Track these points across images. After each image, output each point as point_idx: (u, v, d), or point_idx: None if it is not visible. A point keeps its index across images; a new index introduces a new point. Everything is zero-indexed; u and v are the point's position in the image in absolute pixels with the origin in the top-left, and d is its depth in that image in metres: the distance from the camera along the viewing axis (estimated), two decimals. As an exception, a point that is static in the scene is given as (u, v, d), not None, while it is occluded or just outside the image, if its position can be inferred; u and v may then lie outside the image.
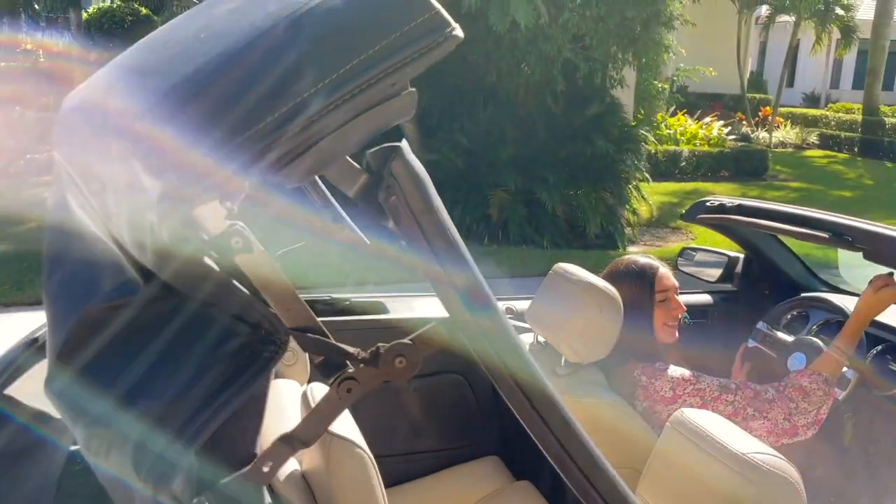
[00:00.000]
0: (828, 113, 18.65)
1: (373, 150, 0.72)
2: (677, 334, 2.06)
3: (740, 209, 2.13)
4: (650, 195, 8.74)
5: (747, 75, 18.23)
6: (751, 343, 2.38)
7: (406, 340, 0.75)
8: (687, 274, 2.72)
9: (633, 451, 1.63)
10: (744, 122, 16.26)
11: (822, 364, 1.86)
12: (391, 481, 2.07)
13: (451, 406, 2.17)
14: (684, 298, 2.56)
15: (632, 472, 1.44)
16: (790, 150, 16.55)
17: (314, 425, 0.75)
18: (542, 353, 1.96)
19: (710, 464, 1.16)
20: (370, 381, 0.74)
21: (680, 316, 2.02)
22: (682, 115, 13.23)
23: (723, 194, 10.81)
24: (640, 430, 1.75)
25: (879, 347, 2.17)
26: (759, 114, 17.56)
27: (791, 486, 1.12)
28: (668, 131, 12.21)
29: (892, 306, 2.04)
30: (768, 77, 24.49)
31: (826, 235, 1.92)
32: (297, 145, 0.65)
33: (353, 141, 0.67)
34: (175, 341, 0.70)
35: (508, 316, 2.31)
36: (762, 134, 16.11)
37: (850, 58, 23.90)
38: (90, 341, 0.69)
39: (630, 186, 8.06)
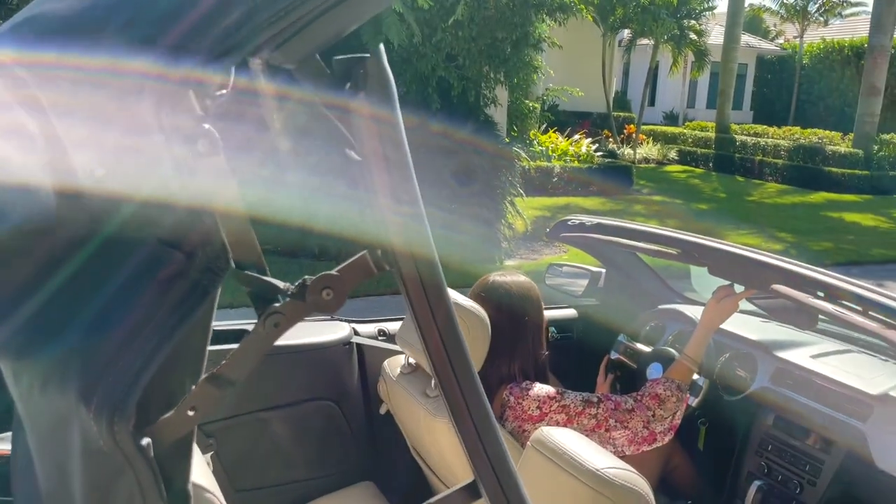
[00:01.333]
0: (685, 130, 19.95)
1: (343, 56, 0.70)
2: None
3: (599, 227, 2.22)
4: (525, 210, 9.01)
5: (612, 95, 19.23)
6: (613, 355, 2.49)
7: (333, 272, 0.71)
8: (553, 288, 2.81)
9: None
10: (610, 140, 17.13)
11: (675, 372, 1.96)
12: None
13: (323, 433, 2.13)
14: (551, 314, 2.65)
15: None
16: (652, 165, 17.58)
17: (242, 363, 0.70)
18: (412, 375, 1.96)
19: (567, 481, 1.20)
20: (297, 314, 0.70)
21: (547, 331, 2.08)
22: (553, 132, 13.76)
23: (592, 208, 11.27)
24: (509, 450, 1.78)
25: (727, 355, 2.32)
26: (624, 131, 18.56)
27: (643, 498, 1.17)
28: (540, 148, 12.65)
29: (737, 315, 2.20)
30: (632, 97, 25.95)
31: (675, 252, 2.04)
32: (280, 31, 0.63)
33: (331, 32, 0.67)
34: (100, 269, 0.64)
35: (381, 338, 2.31)
36: (627, 150, 17.02)
37: (703, 79, 25.73)
38: (2, 273, 0.63)
39: (506, 202, 8.27)
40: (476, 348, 1.82)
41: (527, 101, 8.98)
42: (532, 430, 1.83)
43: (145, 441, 0.65)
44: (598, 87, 17.36)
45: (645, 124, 19.98)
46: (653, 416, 1.87)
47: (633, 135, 17.73)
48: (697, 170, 17.33)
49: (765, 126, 19.38)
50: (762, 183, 15.43)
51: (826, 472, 2.00)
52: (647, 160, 17.75)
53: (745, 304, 2.23)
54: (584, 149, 13.53)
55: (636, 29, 16.97)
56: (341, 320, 2.25)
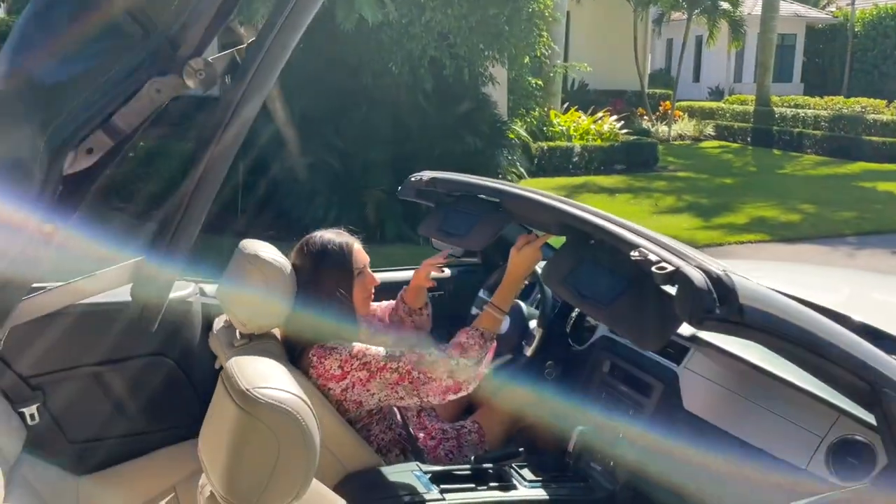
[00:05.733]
0: (724, 105, 19.33)
1: None
2: (372, 304, 2.15)
3: (434, 182, 2.21)
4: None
5: (647, 71, 18.76)
6: (473, 311, 2.49)
7: (208, 59, 0.91)
8: (438, 247, 2.80)
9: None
10: (644, 117, 16.75)
11: (481, 321, 1.94)
12: (93, 466, 2.08)
13: (161, 388, 2.17)
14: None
15: None
16: (688, 141, 17.12)
17: (131, 118, 0.89)
18: (227, 328, 2.01)
19: (230, 407, 1.18)
20: (176, 88, 0.88)
21: (372, 288, 2.08)
22: (576, 111, 13.54)
23: (611, 186, 11.02)
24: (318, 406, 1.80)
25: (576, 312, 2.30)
26: (660, 109, 18.11)
27: (291, 416, 1.13)
28: (560, 128, 12.47)
29: None
30: (676, 73, 25.24)
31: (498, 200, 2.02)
32: None
33: None
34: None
35: (198, 295, 2.31)
36: (662, 128, 16.61)
37: (751, 53, 24.82)
38: None
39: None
40: (275, 299, 1.86)
41: (529, 79, 8.86)
42: (336, 388, 1.86)
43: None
44: (633, 64, 17.01)
45: (687, 100, 19.43)
46: (456, 364, 1.86)
47: (669, 111, 17.30)
48: (734, 144, 16.79)
49: (807, 97, 18.63)
50: (800, 155, 14.85)
51: (644, 416, 1.97)
52: (682, 137, 17.30)
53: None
54: (606, 127, 13.25)
55: (667, 3, 16.53)
56: (189, 280, 2.30)
